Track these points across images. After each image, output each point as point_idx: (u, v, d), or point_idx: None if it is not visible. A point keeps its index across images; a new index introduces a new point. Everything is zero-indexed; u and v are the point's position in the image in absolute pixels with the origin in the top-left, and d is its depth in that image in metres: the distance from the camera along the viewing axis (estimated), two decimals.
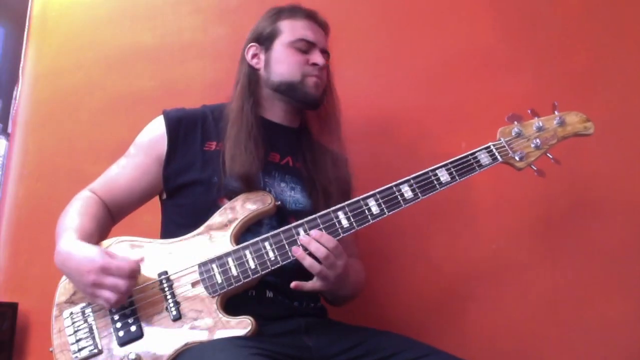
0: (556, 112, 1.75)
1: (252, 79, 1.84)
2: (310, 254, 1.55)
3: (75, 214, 1.67)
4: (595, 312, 2.10)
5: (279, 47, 1.83)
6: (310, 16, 1.88)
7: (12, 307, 2.22)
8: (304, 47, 1.83)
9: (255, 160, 1.68)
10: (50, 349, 1.55)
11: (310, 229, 1.59)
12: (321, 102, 1.88)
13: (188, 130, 1.78)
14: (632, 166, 2.18)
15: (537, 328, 2.12)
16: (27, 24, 2.56)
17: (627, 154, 2.19)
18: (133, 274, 1.49)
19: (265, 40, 1.86)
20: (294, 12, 1.88)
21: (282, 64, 1.82)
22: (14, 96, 2.50)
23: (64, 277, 1.60)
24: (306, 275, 1.74)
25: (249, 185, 1.68)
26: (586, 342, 2.08)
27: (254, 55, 1.86)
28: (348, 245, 1.80)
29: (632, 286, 2.10)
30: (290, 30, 1.84)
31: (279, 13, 1.88)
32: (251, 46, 1.87)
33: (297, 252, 1.56)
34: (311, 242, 1.55)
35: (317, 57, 1.83)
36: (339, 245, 1.56)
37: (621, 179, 2.17)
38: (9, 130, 2.48)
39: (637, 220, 2.14)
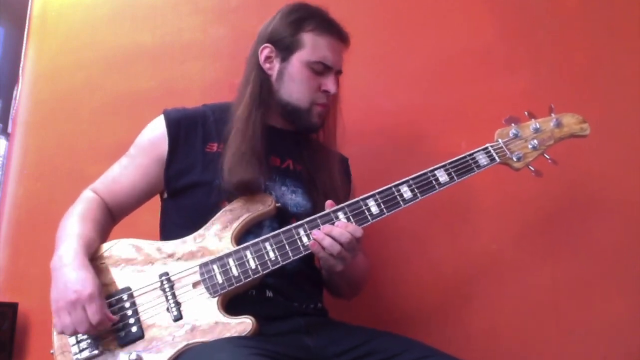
0: (553, 114, 1.76)
1: (264, 86, 1.79)
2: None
3: (78, 218, 1.67)
4: (595, 311, 2.10)
5: (297, 62, 1.77)
6: (336, 33, 1.81)
7: (12, 307, 2.22)
8: (321, 69, 1.78)
9: (254, 174, 1.66)
10: (52, 351, 1.55)
11: (311, 229, 1.58)
12: (319, 130, 1.88)
13: (189, 131, 1.77)
14: (631, 166, 2.17)
15: (538, 328, 2.12)
16: (27, 24, 2.57)
17: (626, 153, 2.19)
18: (100, 325, 1.48)
19: (283, 48, 1.78)
20: (320, 25, 1.78)
21: (295, 84, 1.78)
22: (14, 96, 2.51)
23: None
24: (307, 276, 1.76)
25: (248, 193, 1.68)
26: (586, 342, 2.09)
27: (267, 58, 1.80)
28: None
29: (632, 286, 2.10)
30: (312, 47, 1.77)
31: (303, 21, 1.78)
32: (265, 47, 1.79)
33: (314, 246, 1.56)
34: (325, 238, 1.54)
35: (330, 85, 1.79)
36: (353, 239, 1.55)
37: (620, 179, 2.17)
38: (9, 130, 2.49)
39: (636, 218, 2.14)
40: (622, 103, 2.23)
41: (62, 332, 1.51)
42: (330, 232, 1.54)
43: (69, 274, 1.51)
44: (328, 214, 1.60)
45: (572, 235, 2.16)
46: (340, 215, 1.60)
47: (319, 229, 1.56)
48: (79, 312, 1.47)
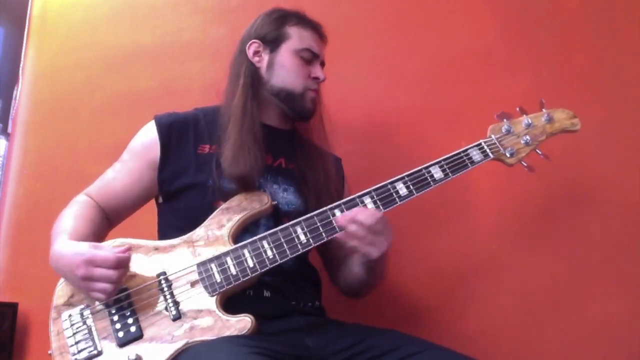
0: (544, 110, 1.77)
1: (254, 78, 1.84)
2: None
3: (70, 217, 1.69)
4: (595, 310, 2.10)
5: (286, 52, 1.84)
6: (316, 28, 1.90)
7: (12, 307, 2.21)
8: (309, 57, 1.85)
9: (257, 163, 1.69)
10: (50, 352, 1.55)
11: (307, 227, 1.60)
12: (313, 116, 1.91)
13: (180, 134, 1.79)
14: (631, 164, 2.18)
15: (537, 327, 2.12)
16: (27, 24, 2.57)
17: (626, 152, 2.19)
18: (121, 263, 1.49)
19: (271, 41, 1.85)
20: (302, 20, 1.88)
21: (287, 70, 1.83)
22: (14, 96, 2.51)
23: (61, 280, 1.60)
24: (304, 275, 1.77)
25: (246, 187, 1.69)
26: (586, 341, 2.08)
27: (256, 53, 1.86)
28: None
29: (631, 285, 2.10)
30: (299, 37, 1.85)
31: (286, 17, 1.88)
32: (253, 42, 1.86)
33: (344, 234, 1.57)
34: (349, 225, 1.55)
35: (319, 72, 1.87)
36: (378, 221, 1.56)
37: (620, 178, 2.17)
38: (9, 130, 2.48)
39: (636, 218, 2.14)
40: (622, 104, 2.24)
41: (106, 300, 1.52)
42: (355, 216, 1.55)
43: (65, 259, 1.53)
44: (325, 211, 1.62)
45: (572, 235, 2.16)
46: (337, 212, 1.62)
47: (343, 215, 1.58)
48: (96, 273, 1.48)
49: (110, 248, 1.53)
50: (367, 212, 1.56)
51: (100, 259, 1.48)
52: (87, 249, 1.51)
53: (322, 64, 1.91)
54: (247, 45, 1.86)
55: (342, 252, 1.86)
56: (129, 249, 1.54)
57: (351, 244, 1.57)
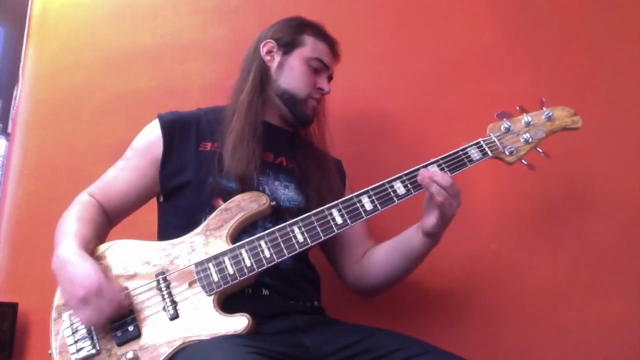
0: (544, 108, 1.76)
1: (264, 76, 1.88)
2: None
3: (74, 219, 1.68)
4: (595, 311, 2.09)
5: (298, 57, 1.88)
6: (332, 44, 1.95)
7: (12, 307, 2.22)
8: (318, 67, 1.90)
9: (254, 158, 1.71)
10: (50, 352, 1.55)
11: (305, 226, 1.60)
12: (311, 123, 1.95)
13: (183, 132, 1.80)
14: (632, 165, 2.17)
15: (537, 327, 2.11)
16: (27, 24, 2.58)
17: (626, 152, 2.18)
18: (121, 308, 1.51)
19: (285, 44, 1.89)
20: (320, 33, 1.93)
21: (295, 74, 1.87)
22: (14, 96, 2.51)
23: None
24: (303, 275, 1.77)
25: (244, 182, 1.70)
26: (586, 341, 2.07)
27: (269, 52, 1.90)
28: (361, 233, 1.89)
29: (631, 285, 2.09)
30: (312, 47, 1.89)
31: (305, 26, 1.92)
32: (268, 42, 1.90)
33: (423, 180, 1.60)
34: (431, 185, 1.59)
35: (324, 83, 1.91)
36: (453, 183, 1.61)
37: (621, 178, 2.16)
38: (9, 130, 2.49)
39: (636, 218, 2.13)
40: (622, 104, 2.23)
41: (90, 326, 1.52)
42: (433, 176, 1.59)
43: (72, 270, 1.51)
44: (322, 211, 1.63)
45: (572, 235, 2.15)
46: (334, 212, 1.62)
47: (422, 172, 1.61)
48: (94, 303, 1.48)
49: (114, 290, 1.52)
50: (441, 174, 1.61)
51: (106, 295, 1.48)
52: (98, 277, 1.49)
53: (330, 78, 1.95)
54: (262, 44, 1.90)
55: (360, 250, 1.89)
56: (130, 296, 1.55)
57: (436, 200, 1.59)
